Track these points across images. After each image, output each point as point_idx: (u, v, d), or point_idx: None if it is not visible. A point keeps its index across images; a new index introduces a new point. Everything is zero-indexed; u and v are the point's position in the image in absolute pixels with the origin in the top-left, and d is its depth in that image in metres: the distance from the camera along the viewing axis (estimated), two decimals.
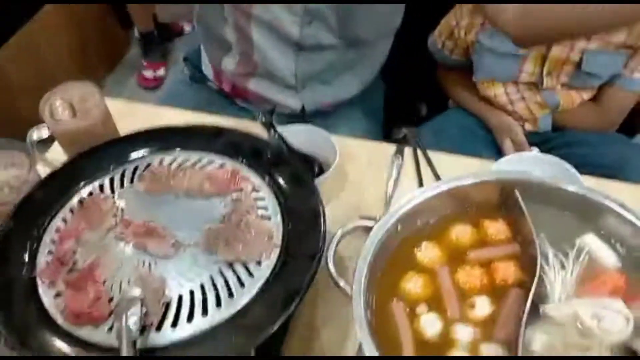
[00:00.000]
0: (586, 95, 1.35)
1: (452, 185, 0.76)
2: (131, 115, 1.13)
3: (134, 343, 0.65)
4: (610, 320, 0.65)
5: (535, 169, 0.96)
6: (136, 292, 0.69)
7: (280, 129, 1.03)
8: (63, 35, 2.47)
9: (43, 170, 0.95)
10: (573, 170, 0.96)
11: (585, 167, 1.00)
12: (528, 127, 1.39)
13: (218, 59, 1.36)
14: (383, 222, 0.72)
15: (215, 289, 0.72)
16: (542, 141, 1.39)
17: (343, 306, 0.85)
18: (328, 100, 1.36)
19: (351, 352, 0.80)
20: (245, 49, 1.29)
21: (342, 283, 0.69)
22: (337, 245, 0.71)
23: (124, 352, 0.64)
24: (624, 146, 1.36)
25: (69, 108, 0.99)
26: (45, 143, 1.07)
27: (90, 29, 2.62)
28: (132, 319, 0.66)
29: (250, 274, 0.73)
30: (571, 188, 0.74)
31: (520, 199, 0.74)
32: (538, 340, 0.65)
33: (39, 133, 0.99)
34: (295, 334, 0.83)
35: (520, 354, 0.62)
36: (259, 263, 0.74)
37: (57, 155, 1.04)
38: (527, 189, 0.75)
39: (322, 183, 0.96)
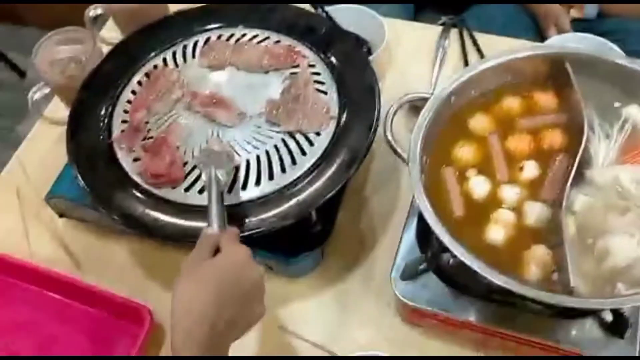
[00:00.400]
0: None
1: (507, 58, 0.79)
2: None
3: (222, 194, 0.70)
4: None
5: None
6: (222, 146, 0.75)
7: (328, 7, 1.05)
8: None
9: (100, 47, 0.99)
10: (618, 50, 0.97)
11: (627, 53, 1.01)
12: (574, 13, 1.37)
13: None
14: (438, 93, 0.76)
15: (279, 155, 0.78)
16: (585, 29, 1.38)
17: (392, 177, 0.92)
18: None
19: (399, 218, 0.86)
20: None
21: (399, 150, 0.74)
22: (394, 115, 0.76)
23: (213, 202, 0.68)
24: None
25: None
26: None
27: None
28: (220, 171, 0.71)
29: (311, 143, 0.79)
30: (619, 60, 0.77)
31: (570, 70, 0.77)
32: (580, 200, 0.70)
33: (95, 11, 1.02)
34: (347, 201, 0.90)
35: (563, 212, 0.67)
36: (318, 133, 0.79)
37: (112, 33, 1.08)
38: (577, 62, 0.77)
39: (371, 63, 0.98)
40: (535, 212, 0.71)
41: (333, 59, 0.87)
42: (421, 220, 0.80)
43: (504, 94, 0.81)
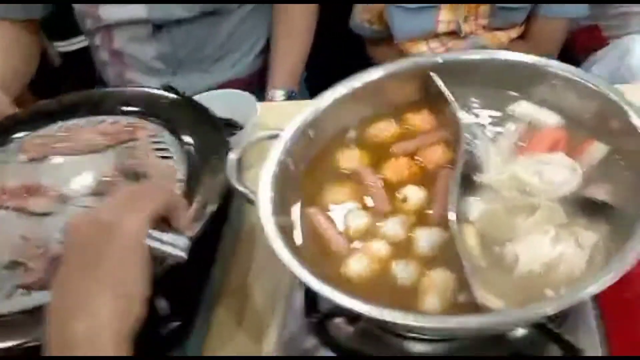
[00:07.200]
0: (514, 33, 1.30)
1: (365, 81, 0.68)
2: None
3: None
4: (552, 173, 0.57)
5: None
6: None
7: (198, 96, 0.95)
8: None
9: None
10: None
11: None
12: None
13: None
14: (290, 127, 0.64)
15: None
16: None
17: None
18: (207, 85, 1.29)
19: None
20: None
21: (242, 188, 0.59)
22: (239, 156, 0.62)
23: None
24: None
25: None
26: None
27: None
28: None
29: None
30: (486, 56, 0.67)
31: (438, 80, 0.67)
32: (476, 208, 0.56)
33: None
34: (225, 297, 0.73)
35: (454, 224, 0.53)
36: None
37: None
38: (445, 71, 0.67)
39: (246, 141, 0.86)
40: (425, 237, 0.56)
41: (177, 128, 0.75)
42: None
43: (375, 121, 0.69)
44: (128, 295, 0.45)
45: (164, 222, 0.51)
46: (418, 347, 0.59)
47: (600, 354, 0.54)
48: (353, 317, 0.60)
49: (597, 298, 0.57)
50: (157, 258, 0.50)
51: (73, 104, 0.82)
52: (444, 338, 0.58)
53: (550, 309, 0.43)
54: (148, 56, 1.26)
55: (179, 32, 1.23)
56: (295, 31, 1.33)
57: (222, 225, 0.69)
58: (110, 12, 1.22)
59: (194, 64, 1.28)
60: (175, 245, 0.50)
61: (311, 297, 0.62)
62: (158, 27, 1.22)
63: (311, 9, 1.33)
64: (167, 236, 0.49)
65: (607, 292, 0.56)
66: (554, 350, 0.54)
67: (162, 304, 0.61)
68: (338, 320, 0.60)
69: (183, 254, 0.50)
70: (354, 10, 1.43)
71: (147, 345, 0.58)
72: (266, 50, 1.36)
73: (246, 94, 0.97)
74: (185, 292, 0.63)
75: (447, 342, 0.58)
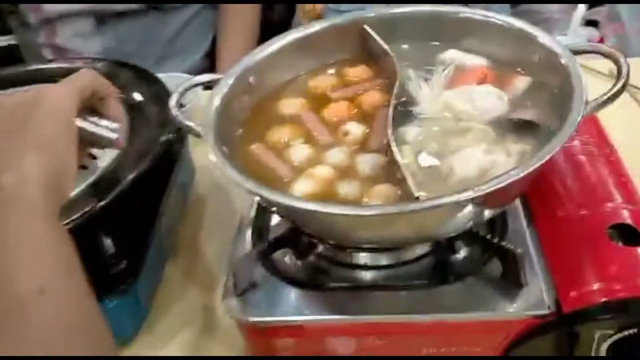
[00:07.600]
0: None
1: (302, 34, 0.71)
2: None
3: None
4: (482, 100, 0.61)
5: None
6: None
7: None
8: None
9: None
10: None
11: None
12: None
13: None
14: (231, 73, 0.66)
15: None
16: None
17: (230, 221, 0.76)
18: None
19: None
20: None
21: (188, 122, 0.60)
22: (180, 96, 0.62)
23: None
24: None
25: None
26: None
27: None
28: None
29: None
30: (422, 8, 0.71)
31: (372, 31, 0.70)
32: (413, 132, 0.59)
33: None
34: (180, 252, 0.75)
35: (394, 145, 0.55)
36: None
37: None
38: (377, 24, 0.71)
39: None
40: (367, 160, 0.59)
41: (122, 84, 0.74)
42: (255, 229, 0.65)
43: (315, 74, 0.72)
44: (56, 161, 0.44)
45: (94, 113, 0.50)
46: (366, 276, 0.61)
47: (538, 269, 0.57)
48: (301, 250, 0.61)
49: (533, 219, 0.62)
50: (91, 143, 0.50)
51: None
52: (390, 261, 0.60)
53: (472, 193, 0.46)
54: (92, 51, 1.25)
55: (124, 27, 1.24)
56: (240, 27, 1.36)
57: (167, 177, 0.70)
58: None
59: (141, 60, 1.27)
60: (110, 129, 0.49)
61: (259, 229, 0.63)
62: (101, 20, 1.22)
63: (255, 9, 1.37)
64: (99, 120, 0.49)
65: (542, 211, 0.61)
66: (496, 269, 0.57)
67: (108, 242, 0.61)
68: (287, 256, 0.61)
69: (119, 137, 0.50)
70: (293, 22, 1.48)
71: (95, 283, 0.58)
72: (214, 52, 1.38)
73: (185, 75, 0.99)
74: (130, 232, 0.63)
75: (393, 269, 0.60)
